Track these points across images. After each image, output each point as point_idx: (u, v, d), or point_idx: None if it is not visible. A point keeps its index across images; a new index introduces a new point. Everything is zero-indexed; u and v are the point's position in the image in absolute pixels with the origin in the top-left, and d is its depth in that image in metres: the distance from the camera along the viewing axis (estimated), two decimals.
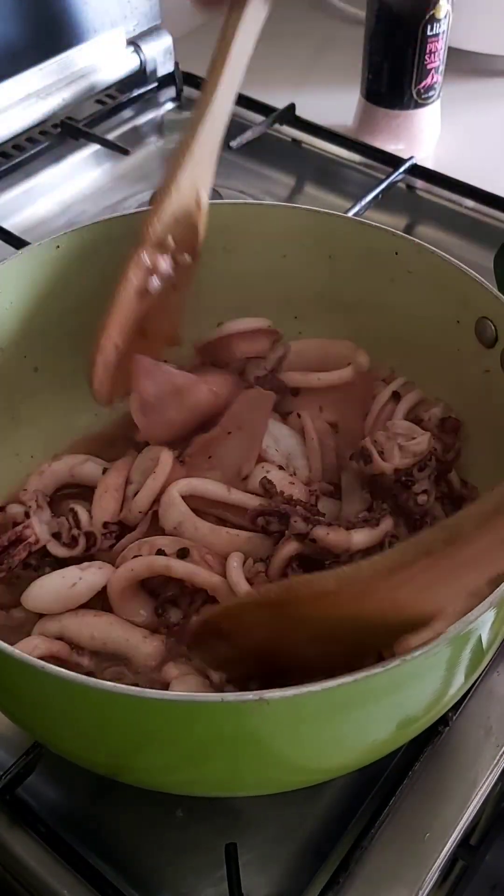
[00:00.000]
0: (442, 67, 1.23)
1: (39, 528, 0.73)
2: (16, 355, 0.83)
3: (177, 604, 0.71)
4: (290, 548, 0.70)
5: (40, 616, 0.71)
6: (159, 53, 1.36)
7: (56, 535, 0.73)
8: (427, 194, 1.21)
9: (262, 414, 0.79)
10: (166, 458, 0.76)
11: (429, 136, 1.29)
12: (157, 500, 0.74)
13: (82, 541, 0.73)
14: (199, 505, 0.74)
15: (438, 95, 1.26)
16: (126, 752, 0.60)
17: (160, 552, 0.70)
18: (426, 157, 1.27)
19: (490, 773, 0.70)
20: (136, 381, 0.77)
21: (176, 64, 1.36)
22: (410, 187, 1.21)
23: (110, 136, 1.27)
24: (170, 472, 0.75)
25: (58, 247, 0.80)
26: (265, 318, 0.87)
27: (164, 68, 1.37)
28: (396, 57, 1.20)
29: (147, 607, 0.71)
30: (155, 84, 1.35)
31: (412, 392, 0.83)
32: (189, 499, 0.73)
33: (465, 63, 1.45)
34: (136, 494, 0.75)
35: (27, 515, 0.74)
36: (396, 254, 0.81)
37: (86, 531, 0.73)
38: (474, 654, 0.59)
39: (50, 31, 1.22)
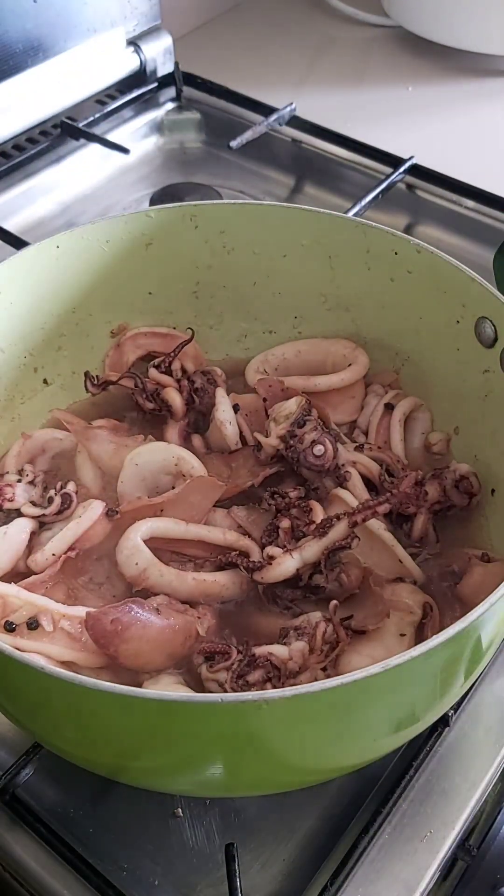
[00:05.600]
0: None
1: (21, 492, 0.77)
2: (16, 355, 0.83)
3: None
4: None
5: None
6: (159, 53, 1.36)
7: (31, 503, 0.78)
8: (427, 194, 1.21)
9: (206, 503, 0.76)
10: (97, 506, 0.74)
11: None
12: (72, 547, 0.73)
13: (57, 500, 0.76)
14: (157, 545, 0.72)
15: None
16: (126, 752, 0.60)
17: (7, 624, 0.66)
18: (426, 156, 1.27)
19: (490, 773, 0.70)
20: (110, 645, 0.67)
21: (176, 64, 1.36)
22: (410, 187, 1.21)
23: (110, 136, 1.27)
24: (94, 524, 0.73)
25: (58, 247, 0.81)
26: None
27: (164, 68, 1.37)
28: None
29: None
30: (155, 84, 1.34)
31: (405, 399, 0.84)
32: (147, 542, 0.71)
33: (465, 63, 1.45)
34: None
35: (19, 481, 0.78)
36: (396, 254, 0.81)
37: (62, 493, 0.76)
38: (474, 654, 0.59)
39: (50, 31, 1.22)
